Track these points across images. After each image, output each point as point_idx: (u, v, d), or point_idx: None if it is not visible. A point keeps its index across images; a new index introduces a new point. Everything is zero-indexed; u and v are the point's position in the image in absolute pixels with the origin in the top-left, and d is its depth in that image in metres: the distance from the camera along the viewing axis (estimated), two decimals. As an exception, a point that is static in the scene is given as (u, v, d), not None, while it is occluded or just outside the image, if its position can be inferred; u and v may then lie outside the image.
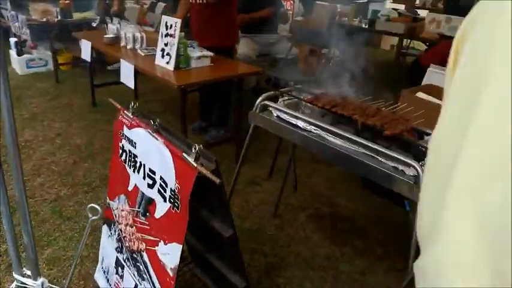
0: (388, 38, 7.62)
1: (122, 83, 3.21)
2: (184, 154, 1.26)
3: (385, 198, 2.97)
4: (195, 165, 1.22)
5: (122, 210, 1.64)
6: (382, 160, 1.63)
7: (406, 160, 1.54)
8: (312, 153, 1.88)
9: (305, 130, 1.86)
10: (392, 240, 2.63)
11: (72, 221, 2.59)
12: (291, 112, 1.94)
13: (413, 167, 1.52)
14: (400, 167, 1.58)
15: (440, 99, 3.40)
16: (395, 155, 1.57)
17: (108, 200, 1.77)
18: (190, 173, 1.24)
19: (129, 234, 1.59)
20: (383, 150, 1.61)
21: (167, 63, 2.84)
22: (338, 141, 1.76)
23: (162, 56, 2.88)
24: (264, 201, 2.94)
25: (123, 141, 1.61)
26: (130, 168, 1.58)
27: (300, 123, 1.88)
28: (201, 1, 3.17)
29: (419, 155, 1.75)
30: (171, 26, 2.75)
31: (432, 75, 4.67)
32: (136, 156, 1.53)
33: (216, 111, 3.79)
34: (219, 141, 3.47)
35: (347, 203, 2.99)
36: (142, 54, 3.18)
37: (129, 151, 1.57)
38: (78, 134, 3.79)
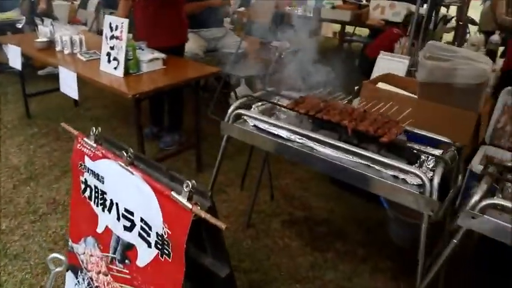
0: (329, 24, 7.64)
1: (57, 89, 2.84)
2: (173, 193, 1.04)
3: (356, 195, 2.91)
4: (190, 206, 1.00)
5: (91, 256, 1.38)
6: (380, 169, 1.51)
7: (410, 170, 1.43)
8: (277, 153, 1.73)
9: (289, 140, 1.69)
10: (371, 239, 2.56)
11: (20, 259, 2.24)
12: (271, 121, 1.76)
13: (418, 176, 1.41)
14: (401, 176, 1.46)
15: (400, 87, 3.36)
16: (399, 165, 1.45)
17: (70, 243, 1.49)
18: (183, 216, 1.02)
19: (104, 284, 1.33)
20: (383, 159, 1.48)
21: (115, 68, 2.53)
22: (328, 151, 1.60)
23: (109, 61, 2.56)
24: (234, 211, 2.75)
25: (86, 175, 1.34)
26: (98, 206, 1.32)
27: (283, 133, 1.71)
28: (145, -3, 2.87)
29: (412, 158, 1.66)
30: (116, 27, 2.44)
31: (381, 62, 4.69)
32: (105, 193, 1.28)
33: (168, 114, 3.52)
34: (180, 150, 3.20)
35: (320, 203, 2.88)
36: (84, 60, 2.83)
37: (95, 187, 1.31)
38: (15, 152, 3.35)
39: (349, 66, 5.28)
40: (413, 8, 4.97)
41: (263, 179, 2.59)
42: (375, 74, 4.84)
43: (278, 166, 3.25)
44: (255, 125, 1.80)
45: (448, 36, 6.13)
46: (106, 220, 1.30)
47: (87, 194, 1.36)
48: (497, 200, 1.27)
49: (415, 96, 2.93)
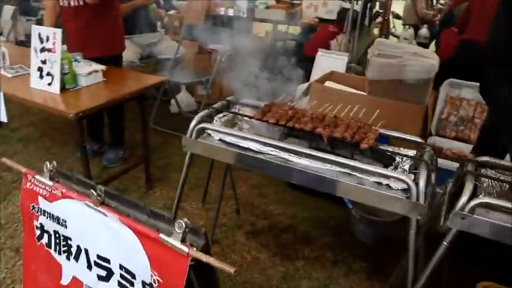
0: (260, 24, 7.62)
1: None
2: (162, 236, 0.89)
3: (316, 196, 2.88)
4: (186, 250, 0.86)
5: (55, 312, 1.17)
6: (361, 176, 1.45)
7: (395, 175, 1.38)
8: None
9: (260, 153, 1.58)
10: (338, 240, 2.53)
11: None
12: (239, 133, 1.63)
13: (403, 181, 1.37)
14: (384, 182, 1.42)
15: (346, 84, 3.37)
16: (383, 171, 1.40)
17: (26, 299, 1.26)
18: (178, 261, 0.88)
19: None
20: (365, 166, 1.42)
21: (49, 85, 2.26)
22: (304, 161, 1.52)
23: (41, 77, 2.27)
24: (195, 228, 2.58)
25: (42, 219, 1.13)
26: (60, 254, 1.12)
27: (253, 146, 1.59)
28: (76, 3, 2.59)
29: (387, 161, 1.63)
30: (47, 38, 2.17)
31: (320, 60, 4.74)
32: (70, 239, 1.08)
33: (109, 129, 3.25)
34: (128, 167, 2.95)
35: (281, 209, 2.81)
36: (9, 76, 2.49)
37: (56, 232, 1.11)
38: None
39: (288, 65, 5.29)
40: (345, 4, 5.09)
41: (219, 191, 2.46)
42: (315, 73, 4.88)
43: (232, 174, 3.13)
44: (220, 139, 1.67)
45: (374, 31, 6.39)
46: (72, 270, 1.10)
47: (44, 240, 1.15)
48: (486, 199, 1.27)
49: (364, 93, 2.96)
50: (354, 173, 1.46)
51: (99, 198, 0.99)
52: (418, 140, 1.66)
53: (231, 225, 2.63)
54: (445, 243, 1.35)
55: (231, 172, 2.44)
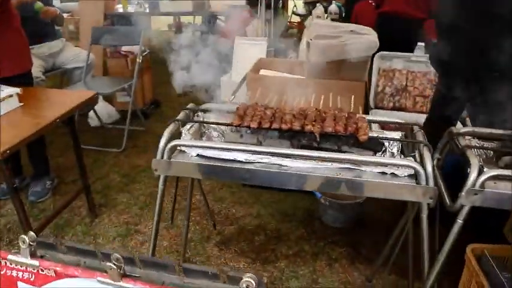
0: (160, 17, 7.25)
1: None
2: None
3: (273, 189, 2.78)
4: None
5: None
6: (365, 169, 1.37)
7: (403, 163, 1.33)
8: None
9: (249, 162, 1.42)
10: (311, 231, 2.48)
11: None
12: (221, 145, 1.45)
13: (411, 166, 1.31)
14: (389, 171, 1.36)
15: (280, 70, 3.30)
16: (389, 161, 1.34)
17: None
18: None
19: None
20: (368, 159, 1.35)
21: (-46, 122, 1.82)
22: (299, 164, 1.40)
23: None
24: (162, 251, 2.34)
25: (29, 309, 0.86)
26: None
27: (240, 156, 1.43)
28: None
29: (377, 147, 1.57)
30: None
31: (239, 48, 4.64)
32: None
33: (31, 159, 2.79)
34: (71, 200, 2.56)
35: (244, 211, 2.68)
36: None
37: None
38: None
39: (205, 57, 5.06)
40: (254, -12, 4.99)
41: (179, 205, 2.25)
42: (236, 61, 4.75)
43: (182, 184, 2.90)
44: (199, 155, 1.47)
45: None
46: None
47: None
48: (496, 172, 1.26)
49: (303, 77, 2.91)
50: (356, 167, 1.37)
51: (118, 270, 0.76)
52: (400, 121, 1.63)
53: (198, 239, 2.43)
54: (459, 220, 1.33)
55: (201, 186, 2.25)
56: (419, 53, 3.05)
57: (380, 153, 1.57)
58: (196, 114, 1.75)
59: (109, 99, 3.99)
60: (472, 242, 1.82)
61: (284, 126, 1.43)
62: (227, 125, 1.56)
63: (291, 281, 2.13)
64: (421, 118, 2.97)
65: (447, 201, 1.37)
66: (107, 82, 3.65)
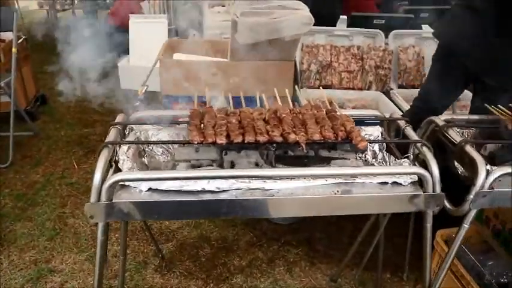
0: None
1: None
2: None
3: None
4: None
5: None
6: (363, 181, 1.15)
7: (409, 171, 1.13)
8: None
9: (222, 191, 1.10)
10: (259, 234, 2.25)
11: None
12: (184, 174, 1.10)
13: (417, 173, 1.12)
14: (390, 180, 1.15)
15: (195, 53, 2.95)
16: (394, 170, 1.13)
17: None
18: None
19: None
20: (369, 170, 1.12)
21: None
22: (288, 184, 1.12)
23: None
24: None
25: None
26: None
27: (211, 185, 1.09)
28: None
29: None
30: None
31: (135, 28, 4.19)
32: None
33: None
34: None
35: (179, 220, 2.31)
36: None
37: None
38: None
39: (94, 40, 4.36)
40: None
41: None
42: (133, 43, 4.21)
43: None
44: (151, 189, 1.10)
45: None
46: None
47: None
48: (505, 170, 1.13)
49: (226, 60, 2.60)
50: (352, 180, 1.14)
51: None
52: (377, 113, 1.43)
53: (132, 266, 2.03)
54: (465, 225, 1.19)
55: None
56: (342, 26, 2.90)
57: (362, 153, 1.36)
58: (129, 128, 1.34)
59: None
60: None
61: (262, 139, 1.13)
62: (183, 143, 1.20)
63: (256, 295, 1.88)
64: (348, 95, 2.89)
65: (447, 205, 1.22)
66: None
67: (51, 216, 2.32)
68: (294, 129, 1.17)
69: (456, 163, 1.31)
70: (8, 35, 2.97)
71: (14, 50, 2.82)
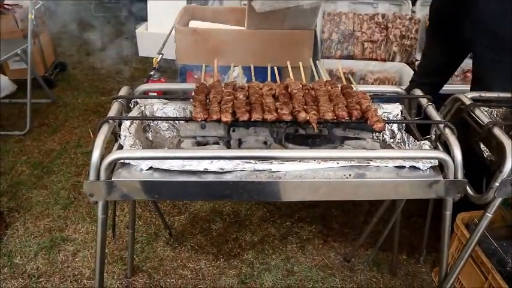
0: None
1: None
2: None
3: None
4: None
5: None
6: (379, 165, 1.06)
7: (430, 155, 1.04)
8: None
9: (227, 172, 1.04)
10: (272, 209, 2.20)
11: None
12: (186, 154, 1.04)
13: (438, 158, 1.03)
14: (408, 164, 1.06)
15: (212, 20, 2.84)
16: (412, 154, 1.04)
17: None
18: None
19: None
20: (387, 154, 1.04)
21: None
22: (296, 167, 1.05)
23: None
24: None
25: None
26: None
27: (215, 166, 1.03)
28: None
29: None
30: None
31: None
32: None
33: None
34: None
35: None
36: None
37: None
38: None
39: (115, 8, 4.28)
40: None
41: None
42: (152, 9, 4.12)
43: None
44: (152, 167, 1.05)
45: None
46: None
47: None
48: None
49: (243, 28, 2.49)
50: (367, 163, 1.06)
51: None
52: (398, 89, 1.33)
53: (144, 238, 2.03)
54: (489, 214, 1.11)
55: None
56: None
57: (379, 133, 1.27)
58: (134, 102, 1.28)
59: (-1, 67, 3.20)
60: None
61: (270, 117, 1.05)
62: (186, 120, 1.14)
63: (263, 275, 1.85)
64: (370, 66, 2.75)
65: (470, 191, 1.13)
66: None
67: (66, 185, 2.33)
68: (305, 106, 1.09)
69: (482, 145, 1.21)
70: (26, 1, 2.93)
71: (30, 16, 2.77)
